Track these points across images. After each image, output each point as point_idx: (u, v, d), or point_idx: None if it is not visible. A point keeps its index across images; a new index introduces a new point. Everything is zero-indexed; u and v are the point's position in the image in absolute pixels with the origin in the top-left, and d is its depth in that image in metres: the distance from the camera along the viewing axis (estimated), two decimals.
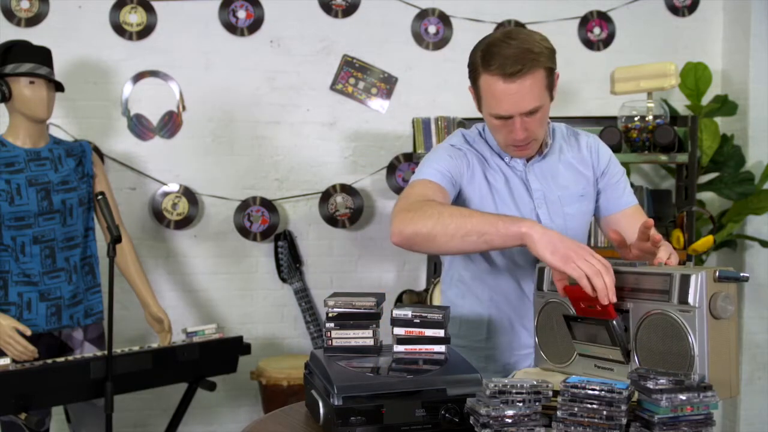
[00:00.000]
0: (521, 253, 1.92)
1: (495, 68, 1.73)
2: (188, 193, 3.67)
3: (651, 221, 1.69)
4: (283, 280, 3.73)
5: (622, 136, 3.38)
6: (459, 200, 1.91)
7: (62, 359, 2.56)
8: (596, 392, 1.30)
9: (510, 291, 1.96)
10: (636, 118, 3.43)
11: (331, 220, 3.78)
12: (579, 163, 2.00)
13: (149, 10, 3.63)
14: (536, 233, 1.57)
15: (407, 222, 1.69)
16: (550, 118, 1.93)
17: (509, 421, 1.30)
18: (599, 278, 1.49)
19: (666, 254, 1.68)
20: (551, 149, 1.96)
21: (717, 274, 1.43)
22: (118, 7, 3.60)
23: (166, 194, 3.65)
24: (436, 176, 1.84)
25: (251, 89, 3.74)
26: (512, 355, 1.99)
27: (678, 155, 3.39)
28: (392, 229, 1.71)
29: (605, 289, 1.49)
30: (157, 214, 3.64)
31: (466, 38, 3.88)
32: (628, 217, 2.00)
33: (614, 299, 1.50)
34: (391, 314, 1.66)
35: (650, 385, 1.28)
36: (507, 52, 1.73)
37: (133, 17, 3.62)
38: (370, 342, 1.65)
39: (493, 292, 1.97)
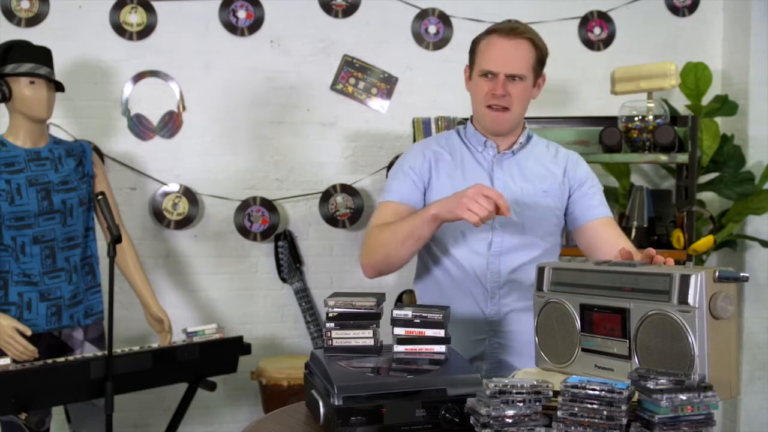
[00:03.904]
0: (475, 239, 2.03)
1: (495, 31, 2.06)
2: (188, 193, 3.67)
3: (653, 251, 1.70)
4: (283, 280, 3.73)
5: (623, 136, 3.38)
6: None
7: (62, 359, 2.56)
8: (596, 392, 1.30)
9: (468, 279, 2.04)
10: (636, 118, 3.42)
11: (331, 220, 3.78)
12: (549, 162, 2.11)
13: (149, 10, 3.63)
14: (439, 208, 1.87)
15: (365, 259, 2.05)
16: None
17: (509, 421, 1.31)
18: (492, 213, 1.79)
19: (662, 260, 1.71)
20: (524, 148, 2.11)
21: (717, 274, 1.43)
22: (118, 7, 3.60)
23: (166, 194, 3.65)
24: (394, 196, 2.09)
25: (251, 89, 3.74)
26: (468, 341, 2.05)
27: (678, 155, 3.38)
28: (362, 268, 2.06)
29: (503, 208, 1.79)
30: (157, 214, 3.64)
31: (466, 38, 3.83)
32: (599, 228, 2.06)
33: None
34: (392, 314, 1.66)
35: (650, 385, 1.28)
36: (508, 24, 2.09)
37: (133, 17, 3.62)
38: (371, 342, 1.65)
39: (459, 273, 2.06)
